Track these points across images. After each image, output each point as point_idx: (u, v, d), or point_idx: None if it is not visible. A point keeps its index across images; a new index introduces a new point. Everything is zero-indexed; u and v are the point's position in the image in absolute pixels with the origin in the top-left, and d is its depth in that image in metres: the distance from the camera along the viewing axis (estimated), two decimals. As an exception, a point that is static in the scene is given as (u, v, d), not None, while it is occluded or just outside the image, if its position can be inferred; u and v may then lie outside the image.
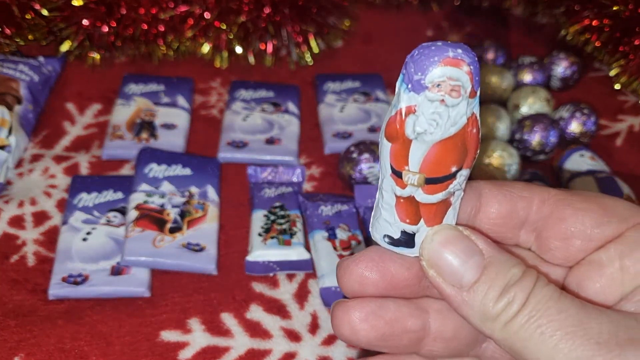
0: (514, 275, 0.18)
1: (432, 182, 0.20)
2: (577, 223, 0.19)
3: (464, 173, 0.19)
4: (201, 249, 0.38)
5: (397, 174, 0.20)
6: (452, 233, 0.19)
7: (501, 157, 0.42)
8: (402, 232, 0.21)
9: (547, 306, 0.17)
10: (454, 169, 0.19)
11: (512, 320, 0.17)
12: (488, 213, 0.20)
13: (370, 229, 0.21)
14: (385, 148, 0.20)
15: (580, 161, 0.44)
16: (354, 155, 0.42)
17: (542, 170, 0.46)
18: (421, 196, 0.20)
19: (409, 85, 0.19)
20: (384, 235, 0.21)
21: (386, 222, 0.20)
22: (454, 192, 0.19)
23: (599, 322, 0.17)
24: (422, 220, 0.20)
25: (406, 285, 0.19)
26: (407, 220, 0.20)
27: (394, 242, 0.21)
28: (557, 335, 0.16)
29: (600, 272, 0.19)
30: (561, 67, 0.52)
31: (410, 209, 0.20)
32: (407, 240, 0.20)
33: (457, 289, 0.18)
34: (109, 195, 0.40)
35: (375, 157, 0.42)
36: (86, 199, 0.40)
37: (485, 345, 0.21)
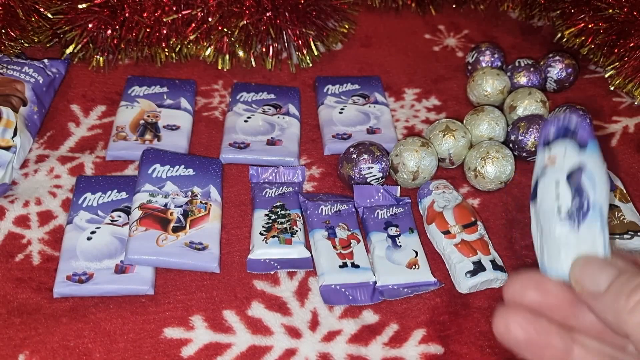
0: None
1: (466, 227, 0.39)
2: None
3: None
4: (204, 248, 0.38)
5: (445, 233, 0.39)
6: (592, 258, 0.22)
7: (496, 158, 0.43)
8: (472, 262, 0.38)
9: None
10: (472, 219, 0.40)
11: None
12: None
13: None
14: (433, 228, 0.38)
15: None
16: (354, 156, 0.43)
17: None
18: (466, 236, 0.39)
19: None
20: (465, 272, 0.37)
21: (460, 263, 0.38)
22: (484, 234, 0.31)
23: None
24: (478, 251, 0.38)
25: (559, 306, 0.22)
26: (470, 255, 0.38)
27: (472, 272, 0.37)
28: None
29: None
30: (557, 69, 0.52)
31: (464, 248, 0.39)
32: (479, 266, 0.37)
33: (596, 296, 0.21)
34: (113, 195, 0.41)
35: (374, 158, 0.43)
36: (90, 198, 0.41)
37: None
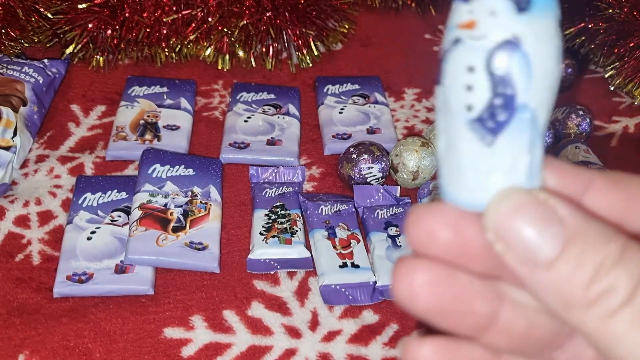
0: (610, 252, 0.14)
1: None
2: None
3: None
4: (204, 248, 0.38)
5: None
6: (524, 198, 0.14)
7: None
8: None
9: None
10: None
11: (616, 315, 0.13)
12: (593, 211, 0.16)
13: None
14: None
15: (575, 152, 0.44)
16: (353, 156, 0.43)
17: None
18: None
19: None
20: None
21: None
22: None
23: None
24: None
25: (481, 253, 0.15)
26: None
27: None
28: None
29: None
30: (557, 70, 0.52)
31: None
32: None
33: (532, 267, 0.14)
34: (113, 195, 0.41)
35: (374, 158, 0.43)
36: (90, 198, 0.41)
37: (557, 354, 0.17)
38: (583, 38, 0.52)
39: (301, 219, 0.41)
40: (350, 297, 0.37)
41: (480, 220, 0.15)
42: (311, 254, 0.39)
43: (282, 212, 0.41)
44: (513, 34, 0.14)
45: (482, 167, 0.15)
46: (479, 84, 0.14)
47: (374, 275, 0.38)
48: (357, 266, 0.38)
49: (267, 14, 0.51)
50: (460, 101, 0.14)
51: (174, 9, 0.50)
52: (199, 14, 0.50)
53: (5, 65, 0.48)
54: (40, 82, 0.48)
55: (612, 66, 0.51)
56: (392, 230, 0.40)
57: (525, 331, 0.16)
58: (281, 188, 0.43)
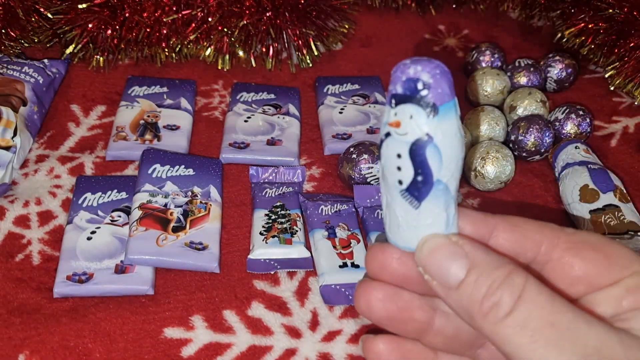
0: (498, 276, 0.19)
1: None
2: (583, 271, 0.21)
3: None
4: (204, 248, 0.38)
5: None
6: (439, 241, 0.20)
7: (496, 159, 0.43)
8: None
9: (540, 315, 0.18)
10: None
11: (502, 323, 0.18)
12: (496, 247, 0.21)
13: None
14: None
15: (575, 152, 0.44)
16: (354, 156, 0.43)
17: (538, 162, 0.47)
18: None
19: None
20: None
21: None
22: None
23: (586, 336, 0.18)
24: None
25: (420, 282, 0.21)
26: None
27: None
28: (549, 347, 0.18)
29: (595, 309, 0.20)
30: (557, 69, 0.52)
31: None
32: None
33: (447, 290, 0.20)
34: (113, 195, 0.41)
35: (374, 158, 0.43)
36: (90, 198, 0.41)
37: (480, 351, 0.23)
38: (583, 38, 0.52)
39: (301, 219, 0.41)
40: (350, 297, 0.37)
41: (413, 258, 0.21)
42: (311, 254, 0.39)
43: (282, 212, 0.41)
44: (426, 132, 0.19)
45: (412, 222, 0.20)
46: (405, 166, 0.19)
47: (374, 275, 0.38)
48: (357, 266, 0.38)
49: (267, 14, 0.51)
50: (394, 177, 0.20)
51: (174, 9, 0.50)
52: (199, 14, 0.50)
53: (5, 65, 0.48)
54: (40, 82, 0.48)
55: (612, 66, 0.51)
56: (392, 230, 0.40)
57: (454, 333, 0.22)
58: (281, 188, 0.43)
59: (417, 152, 0.19)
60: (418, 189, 0.19)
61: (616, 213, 0.40)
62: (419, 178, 0.19)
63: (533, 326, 0.18)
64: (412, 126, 0.19)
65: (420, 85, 0.18)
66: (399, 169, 0.19)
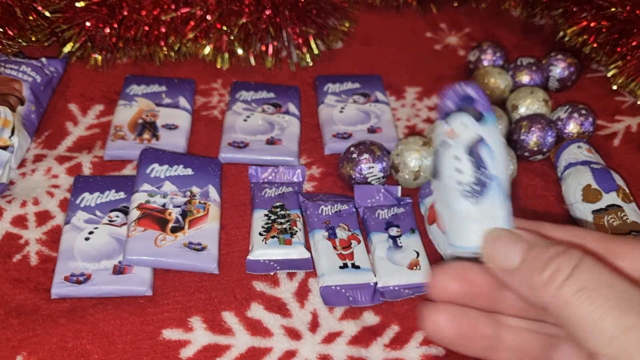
0: (554, 251, 0.21)
1: None
2: (626, 258, 0.22)
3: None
4: (202, 248, 0.38)
5: None
6: (500, 231, 0.22)
7: None
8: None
9: (597, 279, 0.19)
10: None
11: (562, 288, 0.20)
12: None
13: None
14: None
15: (577, 152, 0.44)
16: (354, 155, 0.43)
17: (540, 162, 0.46)
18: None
19: None
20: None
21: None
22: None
23: None
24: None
25: (482, 293, 0.23)
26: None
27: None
28: (607, 305, 0.19)
29: None
30: (559, 68, 0.52)
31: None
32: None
33: (510, 273, 0.21)
34: (111, 195, 0.41)
35: (375, 158, 0.43)
36: (88, 198, 0.40)
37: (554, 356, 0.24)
38: (585, 37, 0.52)
39: (301, 219, 0.41)
40: (350, 298, 0.36)
41: (477, 269, 0.23)
42: (311, 254, 0.39)
43: (282, 212, 0.41)
44: (478, 134, 0.23)
45: (475, 218, 0.23)
46: (464, 166, 0.23)
47: (375, 276, 0.38)
48: (358, 267, 0.38)
49: (267, 13, 0.50)
50: (453, 179, 0.23)
51: (173, 7, 0.49)
52: (198, 12, 0.50)
53: (3, 64, 0.48)
54: (38, 81, 0.48)
55: (614, 65, 0.51)
56: (393, 231, 0.40)
57: (523, 347, 0.23)
58: (281, 188, 0.43)
59: (473, 151, 0.22)
60: (479, 184, 0.22)
61: (619, 213, 0.40)
62: (478, 174, 0.22)
63: (591, 287, 0.19)
64: (466, 131, 0.22)
65: (469, 100, 0.23)
66: (457, 170, 0.23)
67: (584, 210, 0.41)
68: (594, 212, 0.40)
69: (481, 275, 0.23)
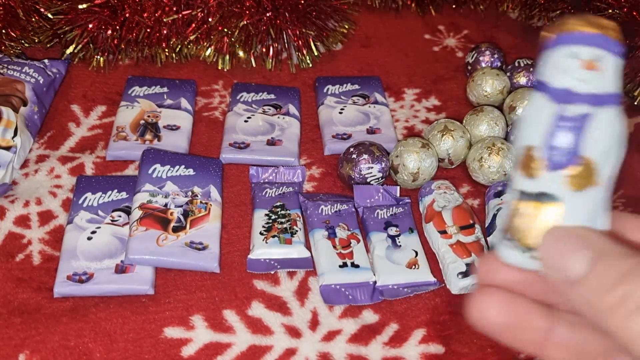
0: (628, 266, 0.17)
1: (463, 228, 0.39)
2: None
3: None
4: (204, 248, 0.38)
5: (441, 232, 0.40)
6: (562, 231, 0.18)
7: (501, 149, 0.43)
8: (465, 264, 0.37)
9: None
10: (471, 221, 0.40)
11: (631, 319, 0.16)
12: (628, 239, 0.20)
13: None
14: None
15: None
16: (353, 156, 0.43)
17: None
18: (462, 238, 0.39)
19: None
20: (457, 273, 0.37)
21: (454, 264, 0.38)
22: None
23: None
24: (472, 253, 0.38)
25: (537, 282, 0.20)
26: (464, 256, 0.38)
27: (464, 274, 0.37)
28: None
29: None
30: (557, 70, 0.52)
31: (459, 249, 0.38)
32: (470, 269, 0.35)
33: (569, 284, 0.18)
34: (114, 195, 0.41)
35: (374, 158, 0.43)
36: (91, 198, 0.41)
37: None
38: (583, 38, 0.52)
39: (301, 219, 0.41)
40: (350, 297, 0.37)
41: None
42: (311, 253, 0.39)
43: (282, 212, 0.41)
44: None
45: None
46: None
47: (374, 275, 0.38)
48: (357, 266, 0.38)
49: (267, 14, 0.51)
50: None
51: (174, 9, 0.50)
52: (199, 14, 0.50)
53: (5, 65, 0.48)
54: (41, 82, 0.48)
55: (611, 66, 0.51)
56: (392, 230, 0.40)
57: (579, 346, 0.20)
58: (281, 188, 0.43)
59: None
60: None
61: None
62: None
63: None
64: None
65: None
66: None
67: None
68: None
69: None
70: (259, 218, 0.40)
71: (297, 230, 0.40)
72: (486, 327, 0.20)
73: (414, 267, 0.38)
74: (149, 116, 0.48)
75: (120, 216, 0.40)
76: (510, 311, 0.19)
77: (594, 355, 0.20)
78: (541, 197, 0.19)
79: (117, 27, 0.50)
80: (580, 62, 0.18)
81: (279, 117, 0.49)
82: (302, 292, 0.37)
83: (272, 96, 0.51)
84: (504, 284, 0.20)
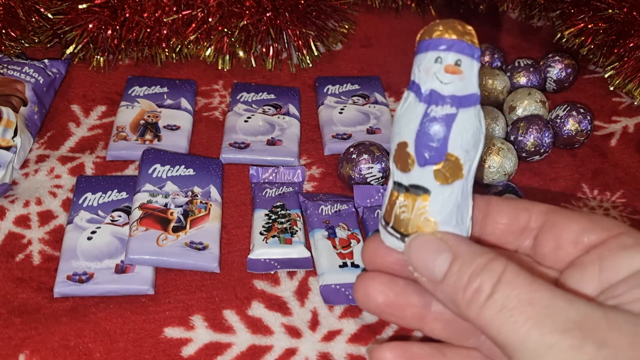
0: (479, 264, 0.20)
1: None
2: (567, 230, 0.22)
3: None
4: (204, 248, 0.38)
5: None
6: (424, 238, 0.21)
7: (501, 149, 0.43)
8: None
9: (518, 294, 0.19)
10: None
11: (484, 306, 0.19)
12: (494, 219, 0.23)
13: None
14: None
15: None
16: (353, 156, 0.43)
17: (537, 162, 0.47)
18: None
19: None
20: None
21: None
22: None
23: (566, 311, 0.18)
24: None
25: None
26: None
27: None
28: (529, 324, 0.18)
29: (583, 272, 0.21)
30: (556, 70, 0.52)
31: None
32: None
33: (435, 284, 0.21)
34: (114, 195, 0.41)
35: (374, 158, 0.43)
36: (91, 198, 0.41)
37: (484, 338, 0.23)
38: (582, 38, 0.52)
39: (301, 219, 0.41)
40: (350, 297, 0.37)
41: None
42: (311, 253, 0.39)
43: (282, 212, 0.41)
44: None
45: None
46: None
47: (374, 275, 0.38)
48: (357, 266, 0.38)
49: (267, 15, 0.51)
50: None
51: (175, 9, 0.50)
52: (199, 14, 0.50)
53: (5, 65, 0.48)
54: (41, 82, 0.48)
55: (611, 66, 0.51)
56: (392, 230, 0.40)
57: (452, 317, 0.22)
58: (281, 188, 0.43)
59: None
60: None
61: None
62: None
63: (512, 306, 0.19)
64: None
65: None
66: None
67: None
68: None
69: None
70: (259, 218, 0.41)
71: (297, 230, 0.40)
72: (371, 308, 0.23)
73: (414, 267, 0.38)
74: (149, 116, 0.48)
75: (120, 216, 0.40)
76: (390, 292, 0.22)
77: (467, 326, 0.22)
78: (413, 189, 0.21)
79: (117, 27, 0.50)
80: (444, 66, 0.20)
81: (279, 117, 0.49)
82: (302, 292, 0.37)
83: (272, 96, 0.51)
84: (387, 265, 0.23)
